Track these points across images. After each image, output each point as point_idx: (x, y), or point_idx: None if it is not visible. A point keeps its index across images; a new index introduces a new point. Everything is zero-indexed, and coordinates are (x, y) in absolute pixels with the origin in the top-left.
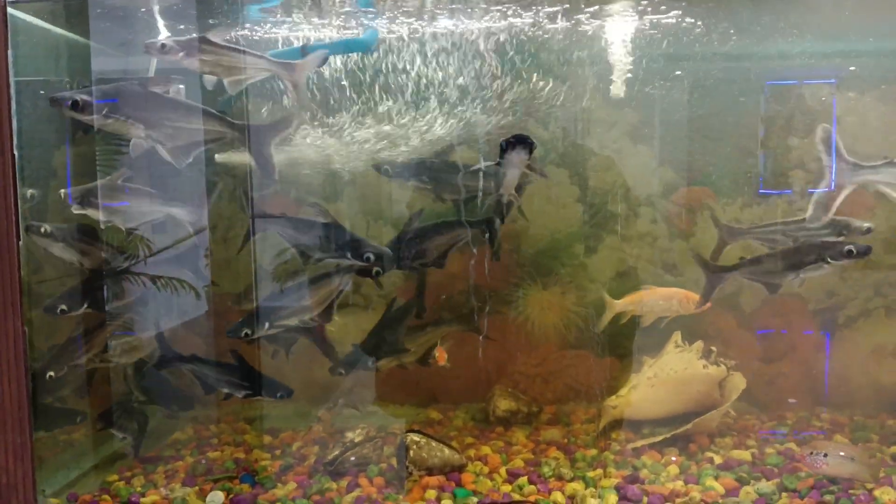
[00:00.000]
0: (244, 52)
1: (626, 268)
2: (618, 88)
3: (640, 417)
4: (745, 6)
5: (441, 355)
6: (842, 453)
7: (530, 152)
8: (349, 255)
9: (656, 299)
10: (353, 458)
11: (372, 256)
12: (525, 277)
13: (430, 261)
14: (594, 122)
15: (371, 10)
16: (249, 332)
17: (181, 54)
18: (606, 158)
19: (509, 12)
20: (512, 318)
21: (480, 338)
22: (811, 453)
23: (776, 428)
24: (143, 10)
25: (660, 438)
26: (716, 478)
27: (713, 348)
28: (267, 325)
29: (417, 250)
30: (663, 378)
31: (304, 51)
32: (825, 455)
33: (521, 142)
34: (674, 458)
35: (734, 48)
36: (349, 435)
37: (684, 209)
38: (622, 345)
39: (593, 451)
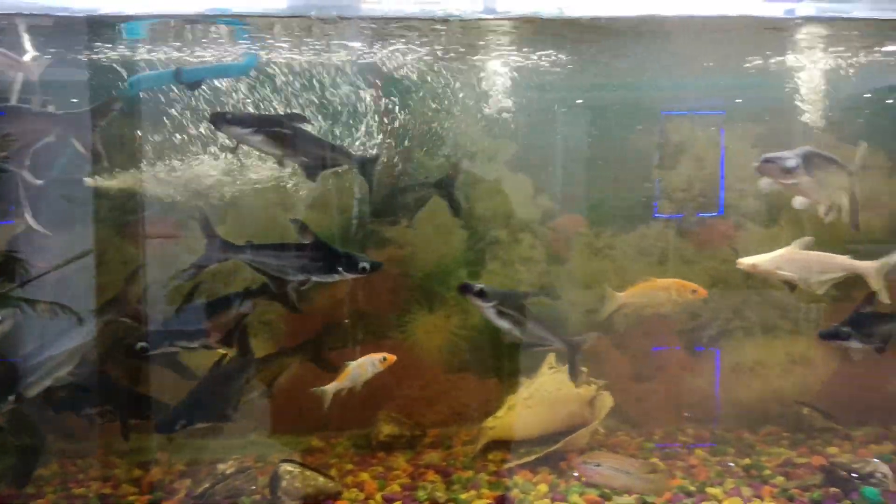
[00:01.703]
0: None
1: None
2: (499, 120)
3: (517, 438)
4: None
5: (390, 358)
6: (617, 465)
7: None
8: (341, 269)
9: (656, 290)
10: (223, 491)
11: (368, 266)
12: (412, 301)
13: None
14: (477, 152)
15: (138, 38)
16: (146, 346)
17: None
18: (489, 187)
19: (397, 46)
20: (399, 341)
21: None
22: (584, 462)
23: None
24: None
25: (533, 458)
26: (581, 494)
27: (584, 369)
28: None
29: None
30: (538, 399)
31: (178, 73)
32: (598, 465)
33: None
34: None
35: (611, 81)
36: (220, 467)
37: (561, 235)
38: (503, 366)
39: (470, 473)
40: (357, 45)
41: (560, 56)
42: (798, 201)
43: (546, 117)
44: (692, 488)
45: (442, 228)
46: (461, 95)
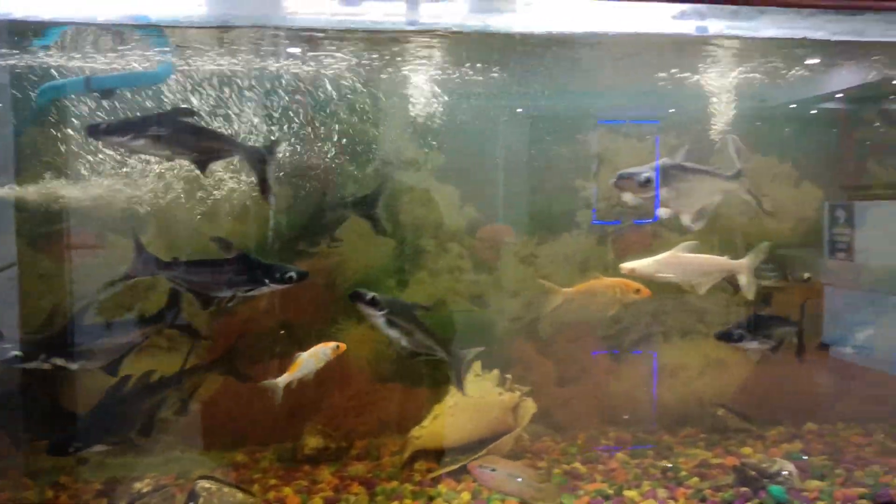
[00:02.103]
0: None
1: (437, 301)
2: (426, 131)
3: (443, 446)
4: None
5: (342, 347)
6: (510, 471)
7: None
8: (268, 282)
9: (600, 288)
10: None
11: (294, 275)
12: (340, 312)
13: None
14: (404, 162)
15: (48, 44)
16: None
17: None
18: (417, 197)
19: (325, 58)
20: None
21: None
22: (481, 466)
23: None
24: None
25: (457, 466)
26: (502, 500)
27: (508, 376)
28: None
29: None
30: (463, 406)
31: (89, 82)
32: (493, 469)
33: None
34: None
35: (537, 92)
36: (136, 486)
37: (488, 244)
38: (432, 375)
39: (395, 484)
40: (278, 55)
41: (487, 67)
42: (662, 212)
43: (473, 128)
44: (610, 491)
45: (368, 238)
46: (388, 106)
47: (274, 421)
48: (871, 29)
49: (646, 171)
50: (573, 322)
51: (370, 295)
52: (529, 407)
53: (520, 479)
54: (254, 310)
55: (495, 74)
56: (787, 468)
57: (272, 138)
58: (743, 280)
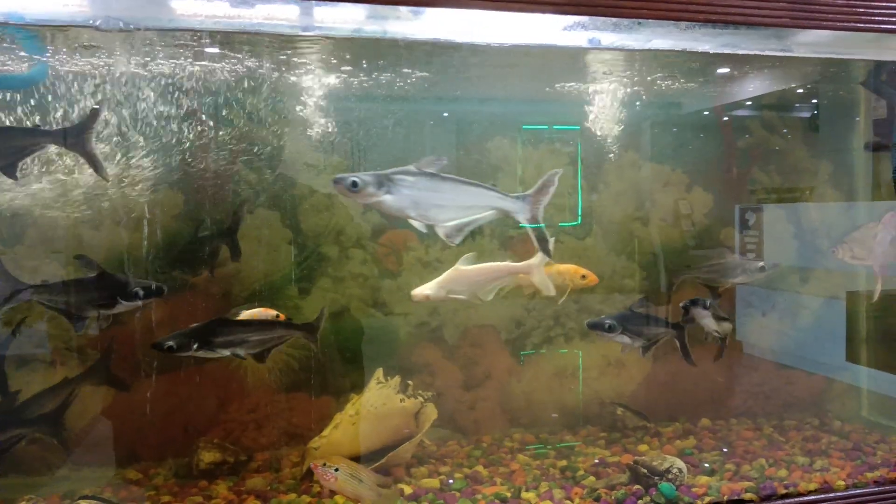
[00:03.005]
0: None
1: (340, 308)
2: (326, 133)
3: (343, 456)
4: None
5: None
6: (352, 473)
7: None
8: (120, 299)
9: (554, 274)
10: None
11: (141, 292)
12: None
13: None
14: (305, 166)
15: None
16: None
17: None
18: (318, 202)
19: (219, 60)
20: (224, 363)
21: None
22: (324, 464)
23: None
24: None
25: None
26: None
27: (410, 382)
28: None
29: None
30: (364, 415)
31: None
32: (336, 469)
33: None
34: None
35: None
36: None
37: (390, 250)
38: (337, 383)
39: (292, 496)
40: (169, 56)
41: (389, 72)
42: (418, 224)
43: (376, 132)
44: (508, 494)
45: (268, 245)
46: (287, 110)
47: (168, 436)
48: (745, 43)
49: (352, 177)
50: (477, 326)
51: (606, 323)
52: (431, 413)
53: (362, 481)
54: (146, 320)
55: (400, 79)
56: (678, 465)
57: (89, 109)
58: (536, 279)
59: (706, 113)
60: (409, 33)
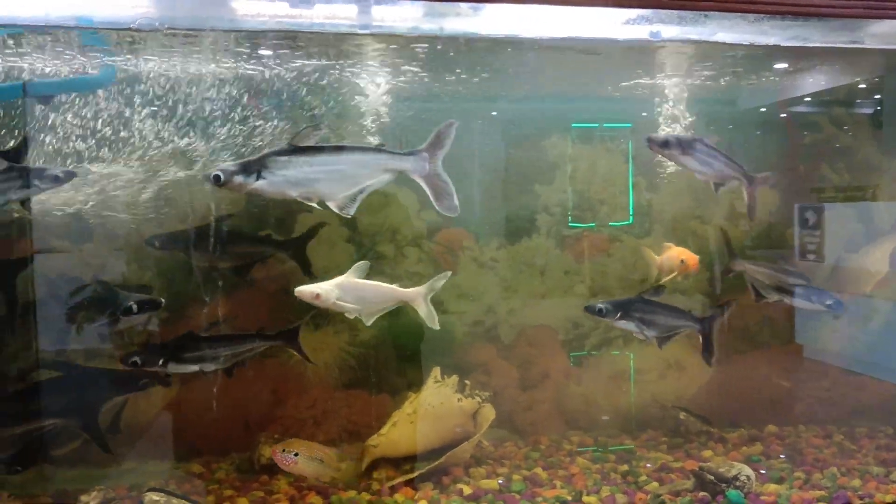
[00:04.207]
0: None
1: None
2: (386, 133)
3: (401, 454)
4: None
5: None
6: (310, 454)
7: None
8: (118, 312)
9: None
10: None
11: (135, 307)
12: (295, 318)
13: None
14: None
15: (99, 46)
16: None
17: None
18: (374, 200)
19: (276, 62)
20: (283, 360)
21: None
22: (283, 451)
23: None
24: None
25: (416, 474)
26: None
27: (467, 382)
28: None
29: None
30: (422, 414)
31: (26, 86)
32: (296, 454)
33: None
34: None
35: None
36: (83, 498)
37: (446, 249)
38: (395, 382)
39: (352, 493)
40: (231, 56)
41: (447, 70)
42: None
43: (432, 130)
44: (569, 498)
45: (326, 242)
46: (346, 108)
47: (230, 431)
48: (814, 35)
49: (215, 170)
50: (533, 326)
51: (598, 306)
52: (488, 413)
53: (322, 461)
54: (199, 315)
55: (457, 77)
56: (746, 472)
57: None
58: (421, 310)
59: (770, 109)
60: (467, 30)
